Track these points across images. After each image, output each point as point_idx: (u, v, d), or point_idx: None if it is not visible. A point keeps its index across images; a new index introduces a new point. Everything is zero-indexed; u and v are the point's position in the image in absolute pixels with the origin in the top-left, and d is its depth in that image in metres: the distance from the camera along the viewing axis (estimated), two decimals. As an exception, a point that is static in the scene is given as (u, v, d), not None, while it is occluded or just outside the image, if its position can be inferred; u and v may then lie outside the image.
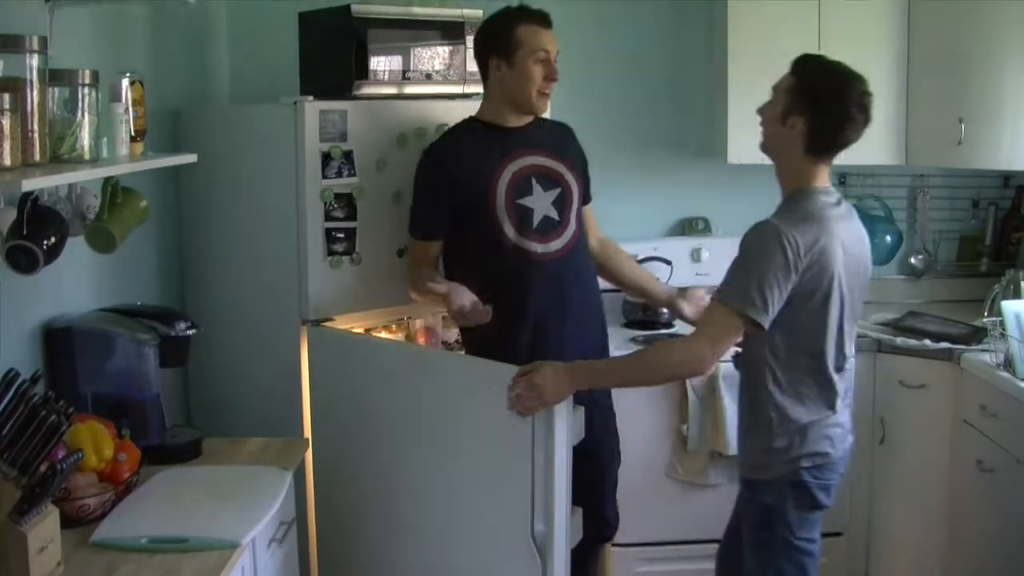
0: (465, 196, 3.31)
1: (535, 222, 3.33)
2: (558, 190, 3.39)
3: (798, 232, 2.69)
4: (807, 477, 2.80)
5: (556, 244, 3.36)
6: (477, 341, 3.33)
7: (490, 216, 3.30)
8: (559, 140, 3.50)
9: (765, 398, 2.81)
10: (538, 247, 3.33)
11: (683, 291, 3.55)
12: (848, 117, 2.75)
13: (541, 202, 3.35)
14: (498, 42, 3.31)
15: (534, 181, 3.35)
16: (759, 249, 2.70)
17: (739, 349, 2.88)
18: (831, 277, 2.74)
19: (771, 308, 2.67)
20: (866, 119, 2.78)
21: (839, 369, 2.85)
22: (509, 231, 3.30)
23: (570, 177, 3.43)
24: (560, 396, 2.80)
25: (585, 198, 3.53)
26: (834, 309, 2.77)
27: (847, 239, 2.80)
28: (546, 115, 3.51)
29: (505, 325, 3.25)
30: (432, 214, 3.37)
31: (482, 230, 3.32)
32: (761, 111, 2.88)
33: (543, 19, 3.32)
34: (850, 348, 2.90)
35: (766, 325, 2.68)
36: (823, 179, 2.84)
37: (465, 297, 3.17)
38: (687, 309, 3.50)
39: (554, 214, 3.36)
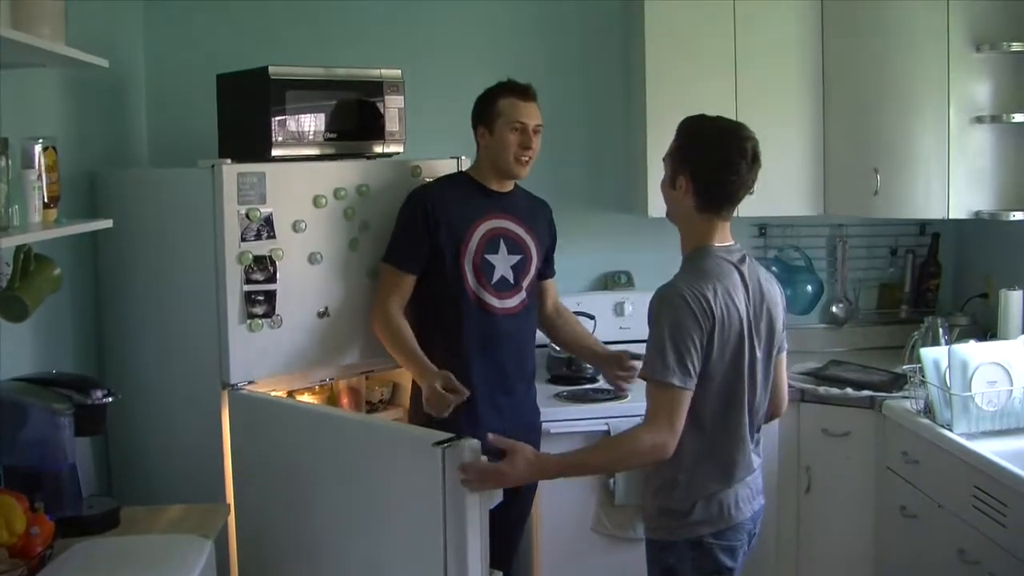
0: (441, 238, 3.49)
1: (493, 278, 3.53)
2: (520, 256, 3.62)
3: (700, 288, 2.68)
4: (709, 539, 2.77)
5: (508, 303, 3.57)
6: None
7: (459, 261, 3.52)
8: (534, 214, 3.71)
9: (675, 461, 2.73)
10: (493, 300, 3.54)
11: (635, 356, 3.59)
12: (728, 162, 2.72)
13: (503, 263, 3.58)
14: (483, 112, 3.58)
15: (502, 242, 3.59)
16: (667, 314, 2.68)
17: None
18: (741, 333, 2.74)
19: (693, 371, 2.66)
20: (751, 164, 2.73)
21: (754, 431, 2.85)
22: (470, 278, 3.52)
23: (534, 249, 3.65)
24: (521, 482, 2.84)
25: (547, 273, 3.81)
26: (746, 368, 2.77)
27: (751, 301, 2.79)
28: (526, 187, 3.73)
29: (452, 363, 3.45)
30: (415, 247, 3.52)
31: (448, 273, 3.52)
32: (661, 184, 2.89)
33: (524, 92, 3.55)
34: (764, 410, 2.90)
35: (692, 389, 2.66)
36: (722, 237, 2.82)
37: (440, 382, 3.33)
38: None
39: (510, 276, 3.59)
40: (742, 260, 2.83)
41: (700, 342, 2.66)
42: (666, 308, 2.69)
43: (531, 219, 3.68)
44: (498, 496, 2.86)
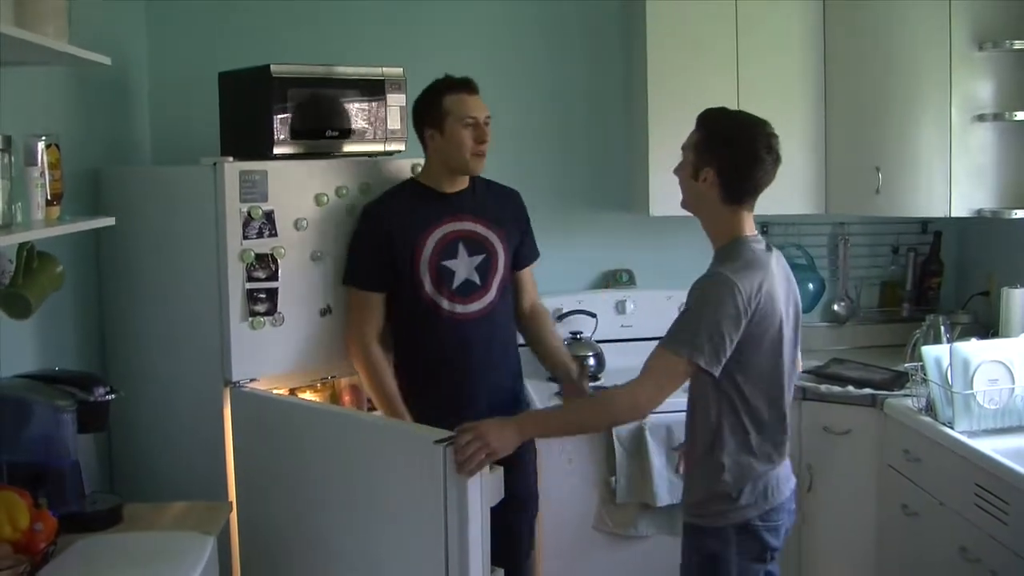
0: (395, 251, 3.44)
1: (455, 283, 3.48)
2: (483, 256, 3.53)
3: (746, 280, 2.72)
4: (756, 522, 2.81)
5: (474, 307, 3.52)
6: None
7: (413, 271, 3.44)
8: (498, 208, 3.62)
9: (720, 445, 2.81)
10: (455, 307, 3.49)
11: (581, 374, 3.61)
12: (756, 158, 2.78)
13: (464, 266, 3.51)
14: (428, 114, 3.49)
15: (460, 245, 3.52)
16: (711, 298, 2.71)
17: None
18: (779, 320, 2.79)
19: (721, 356, 2.69)
20: (775, 159, 2.80)
21: (786, 413, 2.89)
22: (428, 287, 3.45)
23: (499, 246, 3.57)
24: (508, 446, 2.78)
25: (522, 261, 3.68)
26: (785, 351, 2.82)
27: (782, 286, 2.85)
28: (491, 178, 3.67)
29: (416, 376, 3.52)
30: (373, 266, 3.48)
31: (404, 284, 3.47)
32: (676, 171, 2.92)
33: (467, 86, 3.48)
34: (792, 391, 2.94)
35: (716, 373, 2.70)
36: (750, 227, 2.87)
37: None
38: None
39: (476, 278, 3.52)
40: (768, 248, 2.89)
41: (734, 335, 2.70)
42: (712, 294, 2.72)
43: (493, 214, 3.60)
44: (499, 493, 2.86)
